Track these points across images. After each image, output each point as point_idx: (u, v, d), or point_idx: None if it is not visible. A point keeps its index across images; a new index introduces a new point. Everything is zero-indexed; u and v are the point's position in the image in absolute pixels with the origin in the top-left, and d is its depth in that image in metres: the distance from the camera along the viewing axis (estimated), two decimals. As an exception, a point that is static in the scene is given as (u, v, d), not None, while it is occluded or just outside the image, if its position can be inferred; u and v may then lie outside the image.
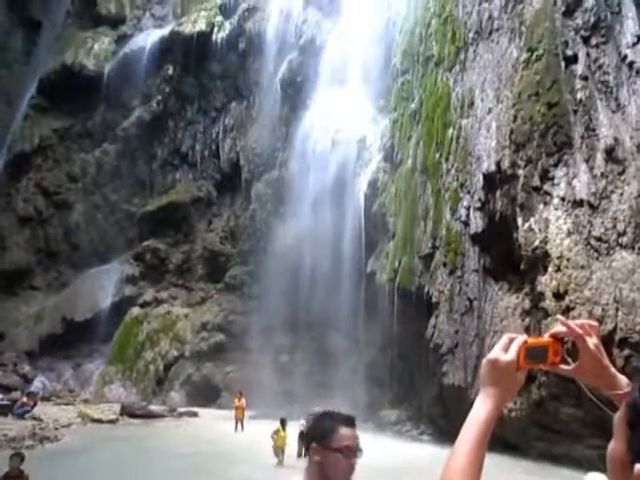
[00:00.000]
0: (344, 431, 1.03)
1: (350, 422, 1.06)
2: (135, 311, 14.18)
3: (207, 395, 12.61)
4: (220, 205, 14.73)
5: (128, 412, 10.43)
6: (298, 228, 11.90)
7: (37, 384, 11.37)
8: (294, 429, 6.83)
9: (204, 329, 13.57)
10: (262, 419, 9.46)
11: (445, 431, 8.26)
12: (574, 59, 7.78)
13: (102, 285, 14.72)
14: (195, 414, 11.12)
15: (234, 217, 14.39)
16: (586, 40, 7.73)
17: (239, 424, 9.56)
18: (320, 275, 11.48)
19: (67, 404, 11.14)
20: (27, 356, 13.55)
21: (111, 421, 9.85)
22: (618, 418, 0.56)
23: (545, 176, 7.38)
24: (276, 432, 7.13)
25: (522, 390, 7.62)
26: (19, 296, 14.67)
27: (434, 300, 9.12)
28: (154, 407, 11.24)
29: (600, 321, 6.51)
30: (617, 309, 6.54)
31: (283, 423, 7.21)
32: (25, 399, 9.38)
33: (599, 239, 6.88)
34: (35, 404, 9.35)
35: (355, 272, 10.86)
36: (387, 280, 9.88)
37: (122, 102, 15.06)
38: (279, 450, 6.99)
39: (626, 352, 6.45)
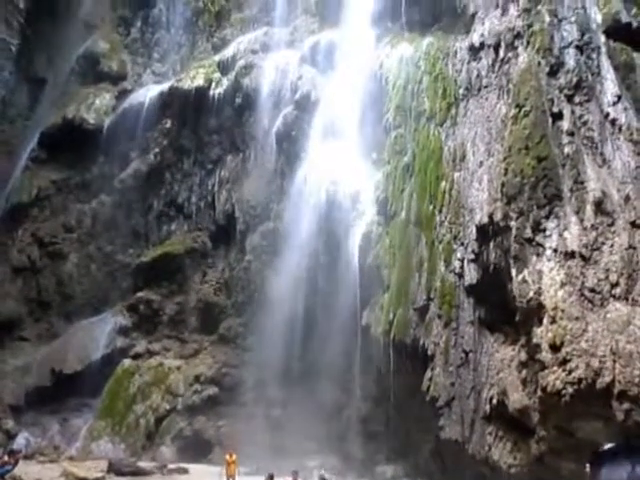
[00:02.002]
0: None
1: None
2: (127, 363, 13.92)
3: (199, 450, 12.26)
4: (215, 256, 14.74)
5: (115, 469, 10.09)
6: (293, 280, 11.89)
7: (20, 441, 10.97)
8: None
9: (197, 382, 13.32)
10: (254, 475, 9.19)
11: (443, 489, 8.03)
12: (560, 116, 8.06)
13: (94, 336, 14.48)
14: (186, 470, 10.77)
15: (229, 268, 14.38)
16: (570, 98, 8.03)
17: (230, 481, 9.28)
18: (315, 327, 11.41)
19: (51, 462, 10.74)
20: (12, 410, 13.13)
21: (97, 479, 9.53)
22: None
23: (537, 228, 7.49)
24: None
25: (521, 444, 7.47)
26: (7, 347, 14.40)
27: (430, 352, 9.04)
28: (143, 464, 10.88)
29: (598, 373, 6.46)
30: (614, 361, 6.50)
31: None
32: (6, 457, 8.97)
33: (592, 290, 6.92)
34: (17, 462, 8.92)
35: (350, 324, 10.79)
36: (382, 332, 9.82)
37: (120, 154, 15.31)
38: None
39: (626, 406, 6.38)
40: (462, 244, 8.76)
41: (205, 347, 14.10)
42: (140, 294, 14.56)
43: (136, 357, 14.09)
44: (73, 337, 14.57)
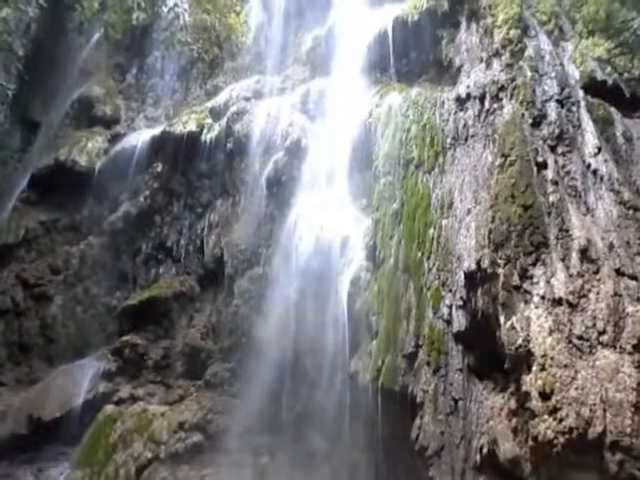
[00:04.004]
0: None
1: None
2: (109, 409, 13.52)
3: (181, 502, 11.83)
4: (202, 300, 14.62)
5: (94, 523, 9.68)
6: (281, 325, 11.80)
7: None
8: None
9: (181, 429, 12.96)
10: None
11: (434, 543, 7.79)
12: (544, 165, 8.30)
13: (75, 381, 14.09)
14: (167, 524, 10.37)
15: (216, 313, 14.23)
16: (553, 149, 8.30)
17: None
18: (303, 373, 11.24)
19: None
20: (-17, 460, 12.64)
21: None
22: None
23: (524, 275, 7.58)
24: None
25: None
26: (-17, 393, 13.97)
27: (418, 400, 8.89)
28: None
29: (589, 423, 6.43)
30: (605, 410, 6.49)
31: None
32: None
33: (580, 337, 6.96)
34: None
35: (338, 371, 10.66)
36: (370, 379, 9.70)
37: (111, 197, 15.36)
38: None
39: (619, 456, 6.33)
40: (450, 291, 8.79)
41: (191, 393, 13.79)
42: (125, 338, 14.32)
43: (119, 403, 13.71)
44: (54, 382, 14.18)
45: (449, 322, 8.79)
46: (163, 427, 13.34)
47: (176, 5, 12.40)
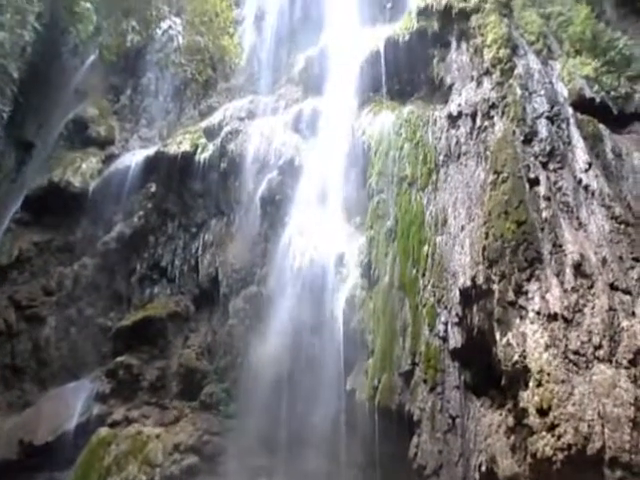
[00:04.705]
0: None
1: None
2: (103, 432, 13.32)
3: (176, 527, 11.64)
4: (198, 320, 14.53)
5: None
6: (276, 344, 11.74)
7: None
8: None
9: (177, 450, 12.79)
10: None
11: None
12: (536, 181, 8.37)
13: (68, 404, 13.87)
14: None
15: (211, 333, 14.15)
16: (545, 165, 8.39)
17: None
18: (299, 393, 11.15)
19: None
20: (-29, 488, 12.37)
21: None
22: None
23: (519, 291, 7.59)
24: None
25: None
26: (-27, 419, 13.72)
27: (415, 418, 8.85)
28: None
29: (587, 439, 6.40)
30: (603, 425, 6.46)
31: None
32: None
33: (577, 353, 6.96)
34: None
35: (335, 390, 10.59)
36: (367, 398, 9.65)
37: (105, 217, 15.33)
38: None
39: (618, 473, 6.29)
40: (446, 308, 8.80)
41: (186, 414, 13.63)
42: (120, 359, 14.18)
43: (113, 425, 13.51)
44: (46, 405, 13.96)
45: (445, 339, 8.79)
46: (158, 449, 13.14)
47: (170, 28, 12.55)
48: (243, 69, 16.97)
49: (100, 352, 14.77)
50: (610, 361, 6.79)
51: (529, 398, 6.96)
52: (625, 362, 6.77)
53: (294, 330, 11.80)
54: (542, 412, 6.74)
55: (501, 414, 7.69)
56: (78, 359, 14.76)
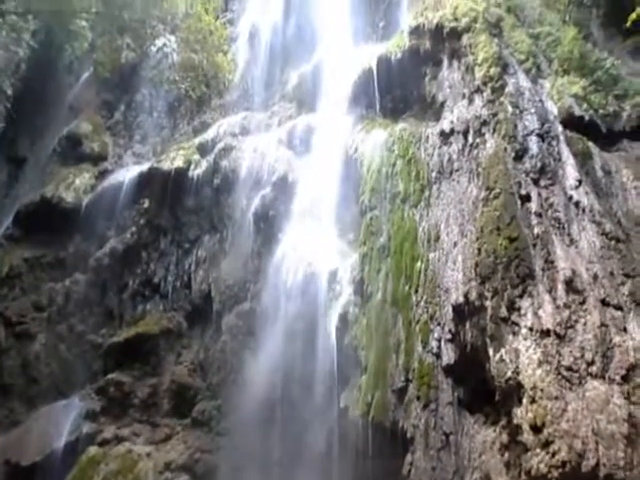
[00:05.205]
0: None
1: None
2: (92, 451, 13.11)
3: None
4: (190, 337, 14.43)
5: None
6: (269, 361, 11.67)
7: None
8: None
9: (168, 469, 12.61)
10: None
11: None
12: (528, 198, 8.44)
13: (57, 422, 13.62)
14: None
15: (204, 349, 14.03)
16: (536, 182, 8.46)
17: None
18: (293, 409, 11.07)
19: None
20: (-47, 513, 12.09)
21: None
22: None
23: (512, 307, 7.61)
24: None
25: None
26: (-42, 440, 13.45)
27: (409, 435, 8.80)
28: None
29: (582, 456, 6.38)
30: (597, 442, 6.45)
31: None
32: None
33: (570, 369, 6.97)
34: None
35: (328, 406, 10.52)
36: (360, 415, 9.59)
37: (97, 233, 15.28)
38: None
39: (613, 491, 6.25)
40: (439, 324, 8.80)
41: (177, 432, 13.47)
42: (111, 376, 14.04)
43: (103, 444, 13.31)
44: (34, 424, 13.71)
45: (438, 355, 8.77)
46: (149, 468, 12.92)
47: (165, 45, 12.65)
48: (237, 86, 17.09)
49: (90, 369, 14.61)
50: (603, 377, 6.80)
51: (523, 415, 6.95)
52: (618, 378, 6.78)
53: (287, 346, 11.74)
54: (536, 429, 6.73)
55: (495, 431, 7.66)
56: (68, 376, 14.58)
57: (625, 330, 7.17)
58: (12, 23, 10.24)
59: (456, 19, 11.18)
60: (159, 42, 12.61)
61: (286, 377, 11.58)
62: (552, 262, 7.71)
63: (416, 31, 12.14)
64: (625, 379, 6.78)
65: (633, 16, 9.23)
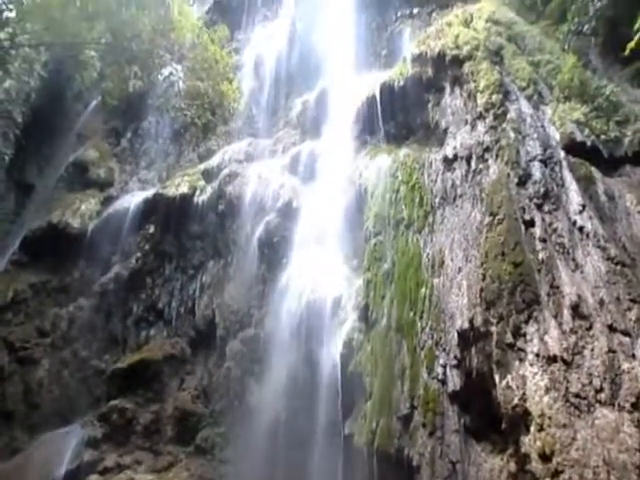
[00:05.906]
0: None
1: None
2: (93, 479, 12.96)
3: None
4: (194, 363, 14.34)
5: None
6: (274, 388, 11.56)
7: None
8: None
9: (170, 499, 12.41)
10: None
11: None
12: (532, 223, 8.44)
13: (58, 450, 13.46)
14: None
15: (208, 375, 13.93)
16: (539, 207, 8.47)
17: None
18: (297, 437, 10.92)
19: None
20: None
21: None
22: None
23: (517, 332, 7.55)
24: None
25: None
26: (-41, 467, 13.31)
27: (415, 463, 8.64)
28: None
29: (592, 486, 6.24)
30: (609, 472, 6.31)
31: None
32: None
33: (578, 396, 6.87)
34: None
35: (333, 434, 10.37)
36: (365, 442, 9.44)
37: (102, 259, 15.35)
38: None
39: (624, 521, 6.10)
40: (444, 350, 8.72)
41: (180, 459, 13.29)
42: (114, 402, 13.93)
43: (104, 472, 13.13)
44: (35, 452, 13.55)
45: (444, 382, 8.67)
46: (150, 498, 12.74)
47: (171, 74, 12.90)
48: (242, 113, 17.33)
49: (93, 395, 14.51)
50: (612, 404, 6.69)
51: (531, 443, 6.84)
52: (628, 406, 6.67)
53: (291, 373, 11.65)
54: (545, 457, 6.60)
55: (502, 459, 7.52)
56: (70, 403, 14.47)
57: (634, 356, 7.07)
58: (25, 55, 10.50)
59: (458, 47, 11.36)
60: (166, 71, 12.87)
61: (290, 404, 11.46)
62: (557, 287, 7.67)
63: (418, 59, 12.32)
64: (635, 406, 6.66)
65: (632, 44, 9.34)
